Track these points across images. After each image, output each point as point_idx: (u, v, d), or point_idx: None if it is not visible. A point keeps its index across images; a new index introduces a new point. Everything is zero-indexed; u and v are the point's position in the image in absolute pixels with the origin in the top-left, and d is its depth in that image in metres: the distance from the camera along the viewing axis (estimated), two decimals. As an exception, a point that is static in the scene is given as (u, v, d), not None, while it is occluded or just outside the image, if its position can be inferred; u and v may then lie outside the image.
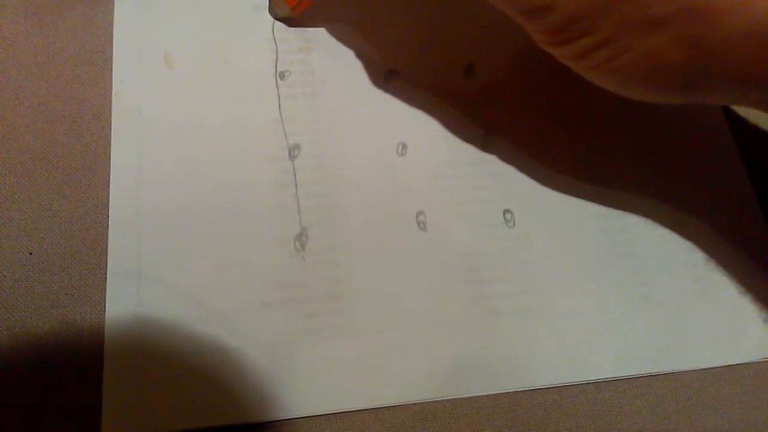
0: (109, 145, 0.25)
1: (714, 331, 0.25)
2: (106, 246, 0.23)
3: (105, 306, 0.22)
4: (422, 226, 0.25)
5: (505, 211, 0.26)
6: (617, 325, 0.25)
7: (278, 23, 0.28)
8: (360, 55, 0.28)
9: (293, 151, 0.26)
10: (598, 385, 0.24)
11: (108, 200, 0.24)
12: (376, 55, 0.27)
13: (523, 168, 0.27)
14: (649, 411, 0.24)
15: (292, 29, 0.28)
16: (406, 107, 0.27)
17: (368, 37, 0.28)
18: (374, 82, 0.27)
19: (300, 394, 0.22)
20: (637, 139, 0.28)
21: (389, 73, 0.28)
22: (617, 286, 0.25)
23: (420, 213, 0.25)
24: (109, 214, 0.23)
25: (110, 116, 0.25)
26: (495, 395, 0.23)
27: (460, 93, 0.28)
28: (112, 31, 0.26)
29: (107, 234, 0.23)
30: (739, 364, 0.25)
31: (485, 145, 0.27)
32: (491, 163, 0.27)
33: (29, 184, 0.24)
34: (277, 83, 0.27)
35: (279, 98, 0.26)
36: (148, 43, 0.26)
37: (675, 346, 0.25)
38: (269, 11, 0.28)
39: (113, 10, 0.27)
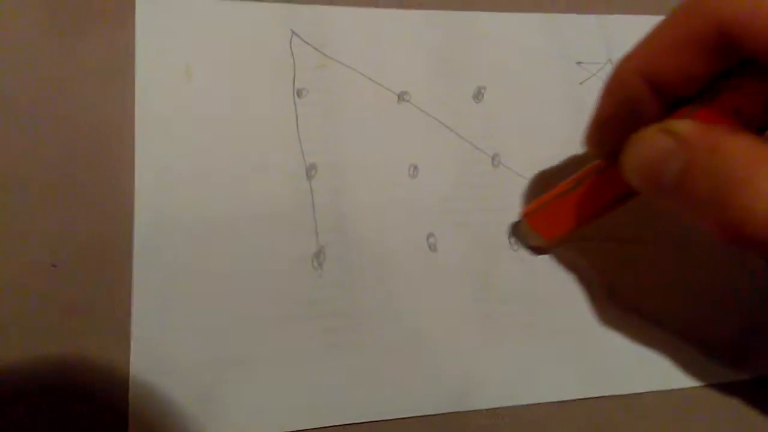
0: (130, 158, 0.25)
1: (715, 348, 0.26)
2: (128, 258, 0.24)
3: (129, 319, 0.23)
4: (433, 248, 0.26)
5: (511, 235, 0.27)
6: (617, 343, 0.26)
7: (296, 38, 0.28)
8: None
9: (310, 171, 0.26)
10: (597, 399, 0.25)
11: (130, 212, 0.24)
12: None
13: (528, 191, 0.28)
14: (645, 423, 0.25)
15: (309, 46, 0.28)
16: (418, 129, 0.28)
17: (385, 64, 0.29)
18: (387, 104, 0.28)
19: (319, 406, 0.23)
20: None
21: (402, 95, 0.28)
22: (617, 304, 0.27)
23: (430, 235, 0.26)
24: (134, 228, 0.24)
25: (131, 130, 0.25)
26: (499, 409, 0.24)
27: (469, 116, 0.29)
28: (133, 46, 0.27)
29: (129, 247, 0.24)
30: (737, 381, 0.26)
31: (493, 168, 0.28)
32: (499, 186, 0.28)
33: (52, 197, 0.24)
34: (294, 101, 0.27)
35: (297, 117, 0.27)
36: (170, 55, 0.27)
37: (671, 364, 0.26)
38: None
39: (134, 25, 0.27)
